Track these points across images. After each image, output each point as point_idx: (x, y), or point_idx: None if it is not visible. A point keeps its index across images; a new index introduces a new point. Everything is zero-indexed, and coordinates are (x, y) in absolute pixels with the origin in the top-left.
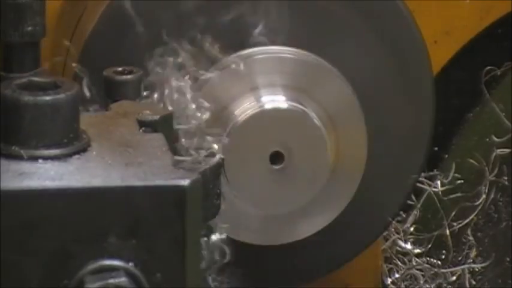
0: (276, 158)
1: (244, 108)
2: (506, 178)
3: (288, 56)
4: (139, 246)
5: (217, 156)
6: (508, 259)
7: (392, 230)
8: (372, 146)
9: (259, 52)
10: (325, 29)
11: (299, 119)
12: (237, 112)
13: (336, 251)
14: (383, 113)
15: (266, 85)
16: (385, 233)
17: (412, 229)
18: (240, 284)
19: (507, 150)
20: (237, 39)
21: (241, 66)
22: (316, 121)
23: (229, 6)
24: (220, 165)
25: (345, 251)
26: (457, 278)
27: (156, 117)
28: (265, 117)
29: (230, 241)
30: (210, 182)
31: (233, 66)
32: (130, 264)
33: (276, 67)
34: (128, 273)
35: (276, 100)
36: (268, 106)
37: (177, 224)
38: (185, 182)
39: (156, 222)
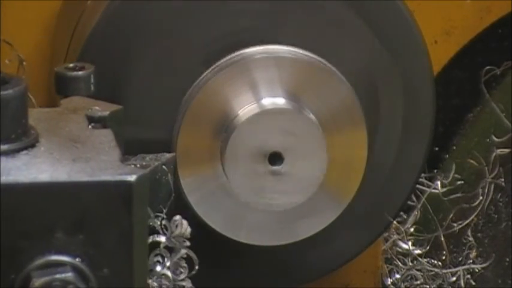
0: (275, 158)
1: (244, 109)
2: (503, 180)
3: (288, 56)
4: (86, 241)
5: (170, 154)
6: (507, 259)
7: (393, 230)
8: (372, 146)
9: (259, 52)
10: (326, 30)
11: (298, 119)
12: (237, 112)
13: (336, 251)
14: (383, 114)
15: (266, 85)
16: (385, 234)
17: (412, 230)
18: (240, 284)
19: (507, 150)
20: (236, 39)
21: (241, 66)
22: (316, 121)
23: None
24: (172, 162)
25: (345, 251)
26: (457, 279)
27: (106, 113)
28: (265, 118)
29: (230, 241)
30: (161, 178)
31: (233, 66)
32: (78, 259)
33: (276, 67)
34: (75, 269)
35: (275, 100)
36: (268, 106)
37: (124, 219)
38: (132, 178)
39: (103, 218)
